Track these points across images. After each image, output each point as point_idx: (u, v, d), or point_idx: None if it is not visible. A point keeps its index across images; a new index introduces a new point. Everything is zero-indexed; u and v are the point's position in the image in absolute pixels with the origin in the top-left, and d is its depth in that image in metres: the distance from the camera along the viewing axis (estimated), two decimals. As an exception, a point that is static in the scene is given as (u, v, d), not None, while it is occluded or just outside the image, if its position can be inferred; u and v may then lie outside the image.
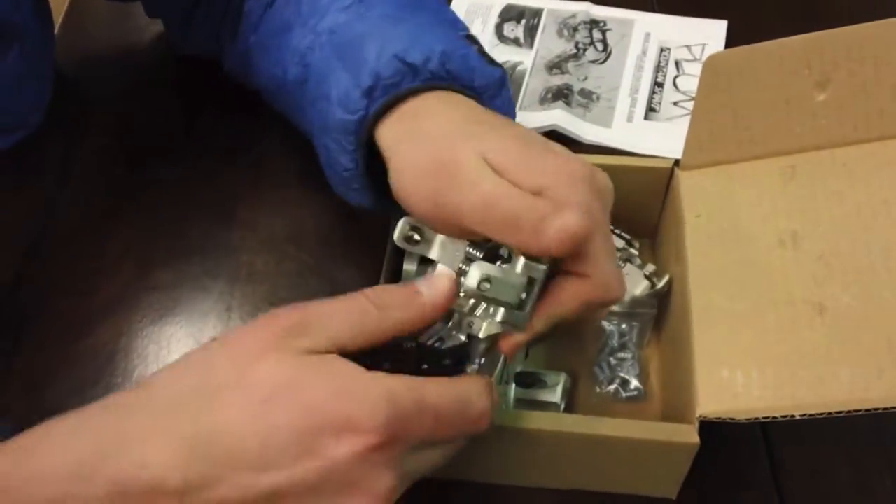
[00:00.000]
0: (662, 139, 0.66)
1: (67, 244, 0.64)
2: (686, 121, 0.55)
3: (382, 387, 0.35)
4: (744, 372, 0.47)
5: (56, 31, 0.69)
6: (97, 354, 0.58)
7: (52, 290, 0.61)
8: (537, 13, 0.76)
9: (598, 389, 0.55)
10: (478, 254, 0.42)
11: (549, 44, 0.74)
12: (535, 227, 0.38)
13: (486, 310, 0.41)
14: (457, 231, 0.42)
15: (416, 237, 0.43)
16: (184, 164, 0.68)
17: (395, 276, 0.55)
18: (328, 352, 0.36)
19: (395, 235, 0.42)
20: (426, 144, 0.44)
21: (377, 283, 0.53)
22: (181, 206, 0.66)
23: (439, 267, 0.42)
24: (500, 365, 0.52)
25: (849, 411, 0.42)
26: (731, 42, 0.73)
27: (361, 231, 0.64)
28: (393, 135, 0.46)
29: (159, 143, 0.70)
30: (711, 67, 0.53)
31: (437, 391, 0.36)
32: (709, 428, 0.46)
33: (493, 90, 0.50)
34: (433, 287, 0.39)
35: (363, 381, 0.35)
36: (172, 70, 0.74)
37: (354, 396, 0.34)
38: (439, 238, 0.43)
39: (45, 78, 0.64)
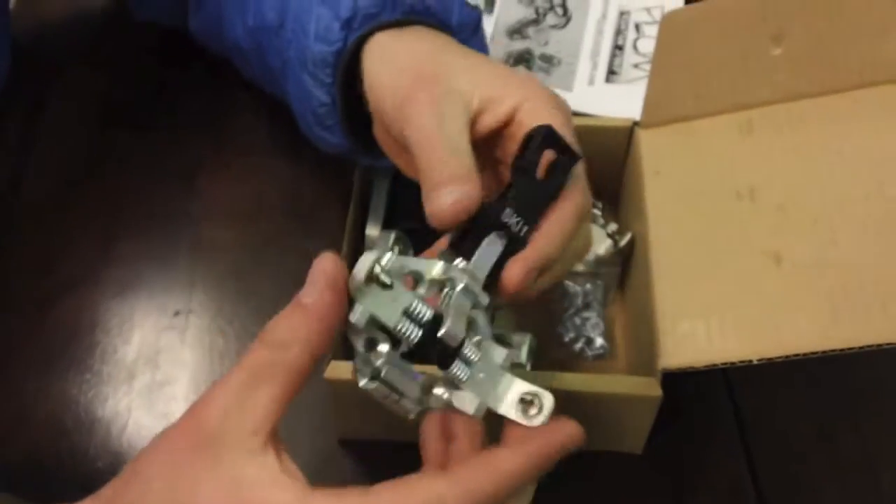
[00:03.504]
0: (624, 101, 0.66)
1: (28, 219, 0.63)
2: (646, 82, 0.55)
3: None
4: (704, 324, 0.47)
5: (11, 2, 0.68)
6: (60, 329, 0.58)
7: (13, 266, 0.61)
8: (497, -20, 0.76)
9: (563, 349, 0.56)
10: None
11: (510, 9, 0.74)
12: (433, 187, 0.38)
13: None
14: (397, 136, 0.42)
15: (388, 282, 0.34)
16: (143, 134, 0.67)
17: (358, 243, 0.55)
18: (267, 441, 0.32)
19: (360, 272, 0.34)
20: (409, 55, 0.44)
21: (340, 250, 0.53)
22: (142, 177, 0.65)
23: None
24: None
25: (805, 354, 0.42)
26: (690, 3, 0.73)
27: (325, 200, 0.64)
28: (374, 55, 0.46)
29: (119, 113, 0.69)
30: (668, 25, 0.53)
31: None
32: (674, 384, 0.46)
33: (469, 32, 0.50)
34: (316, 288, 0.34)
35: None
36: (131, 38, 0.73)
37: None
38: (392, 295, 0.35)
39: (1, 49, 0.63)
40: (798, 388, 0.55)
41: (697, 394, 0.54)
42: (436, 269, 0.36)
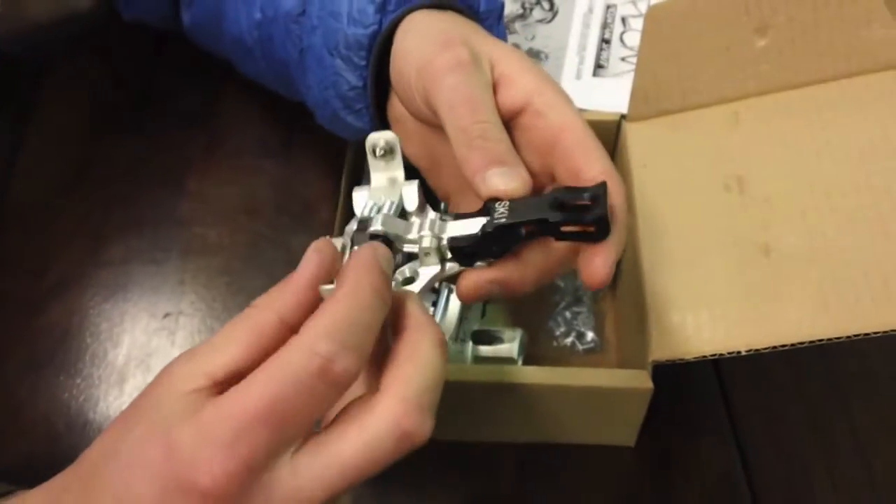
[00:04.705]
0: (611, 95, 0.66)
1: (17, 222, 0.63)
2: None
3: (195, 431, 0.30)
4: (694, 315, 0.47)
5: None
6: (50, 333, 0.57)
7: (3, 269, 0.60)
8: (484, -24, 0.76)
9: (554, 344, 0.56)
10: (374, 217, 0.40)
11: (497, 5, 0.74)
12: (480, 168, 0.39)
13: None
14: (424, 107, 0.43)
15: (382, 152, 0.42)
16: (132, 135, 0.67)
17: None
18: (215, 386, 0.32)
19: (368, 137, 0.42)
20: (437, 28, 0.45)
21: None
22: (131, 179, 0.65)
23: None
24: (455, 323, 0.52)
25: (793, 344, 0.42)
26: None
27: (314, 200, 0.64)
28: (405, 32, 0.47)
29: (107, 115, 0.69)
30: (653, 18, 0.53)
31: (256, 393, 0.30)
32: (665, 377, 0.47)
33: (494, 19, 0.51)
34: (303, 266, 0.35)
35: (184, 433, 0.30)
36: (118, 40, 0.72)
37: (183, 455, 0.30)
38: (392, 175, 0.42)
39: None
40: (789, 377, 0.55)
41: (688, 385, 0.54)
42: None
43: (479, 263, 0.39)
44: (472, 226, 0.38)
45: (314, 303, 0.34)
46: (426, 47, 0.44)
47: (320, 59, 0.52)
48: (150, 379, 0.54)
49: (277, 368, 0.31)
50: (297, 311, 0.33)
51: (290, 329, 0.33)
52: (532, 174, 0.40)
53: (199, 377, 0.32)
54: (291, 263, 0.35)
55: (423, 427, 0.32)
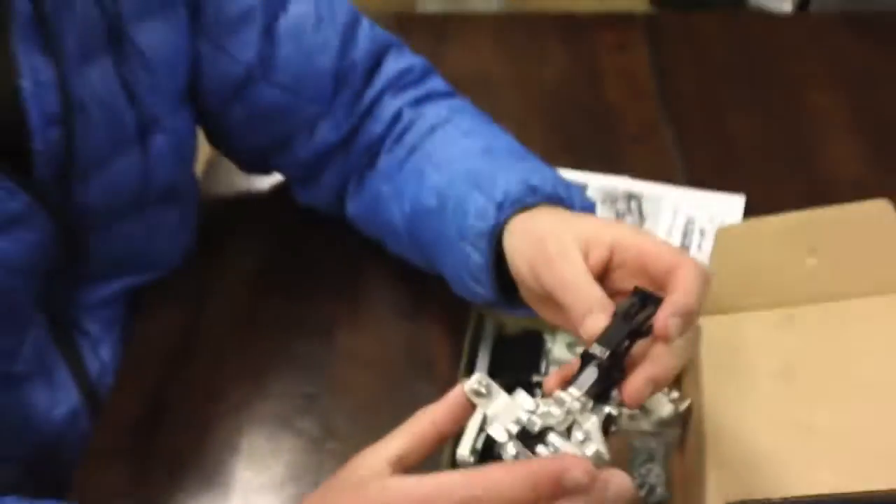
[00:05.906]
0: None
1: (202, 359, 0.79)
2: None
3: None
4: (745, 485, 0.58)
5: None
6: (221, 449, 0.72)
7: (187, 391, 0.76)
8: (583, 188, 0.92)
9: (630, 494, 0.66)
10: (528, 422, 0.48)
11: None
12: (583, 316, 0.54)
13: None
14: (539, 289, 0.59)
15: (483, 391, 0.49)
16: (289, 296, 0.83)
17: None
18: (388, 470, 0.47)
19: (466, 386, 0.49)
20: (539, 230, 0.61)
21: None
22: (288, 331, 0.80)
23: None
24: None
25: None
26: (748, 212, 0.87)
27: (438, 355, 0.77)
28: (514, 233, 0.63)
29: (277, 275, 0.85)
30: (721, 237, 0.67)
31: None
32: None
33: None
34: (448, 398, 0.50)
35: None
36: (289, 214, 0.89)
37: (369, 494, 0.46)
38: (501, 399, 0.49)
39: (191, 229, 0.81)
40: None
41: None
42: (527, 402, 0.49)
43: (614, 394, 0.52)
44: (589, 374, 0.51)
45: (461, 415, 0.49)
46: (529, 247, 0.60)
47: (452, 244, 0.67)
48: (302, 490, 0.68)
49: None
50: (446, 419, 0.49)
51: (439, 431, 0.49)
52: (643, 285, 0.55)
53: (381, 461, 0.47)
54: (420, 402, 0.50)
55: None
